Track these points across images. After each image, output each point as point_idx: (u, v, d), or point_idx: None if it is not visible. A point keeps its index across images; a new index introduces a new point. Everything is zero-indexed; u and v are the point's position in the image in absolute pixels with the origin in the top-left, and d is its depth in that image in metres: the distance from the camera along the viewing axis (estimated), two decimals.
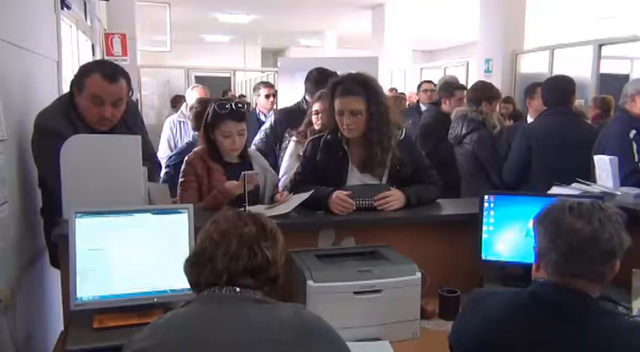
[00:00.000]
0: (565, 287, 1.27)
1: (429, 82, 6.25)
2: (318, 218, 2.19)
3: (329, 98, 2.35)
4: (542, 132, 3.31)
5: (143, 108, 8.92)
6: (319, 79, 3.29)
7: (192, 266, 1.29)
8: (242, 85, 11.39)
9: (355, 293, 1.80)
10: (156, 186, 2.22)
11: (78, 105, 2.20)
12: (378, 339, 1.83)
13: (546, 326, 1.24)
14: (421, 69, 11.18)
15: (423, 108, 5.79)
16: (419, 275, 1.88)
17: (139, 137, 2.03)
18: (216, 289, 1.24)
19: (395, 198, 2.26)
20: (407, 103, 7.22)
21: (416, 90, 6.35)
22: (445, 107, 4.11)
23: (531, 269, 1.38)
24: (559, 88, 3.41)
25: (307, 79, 3.47)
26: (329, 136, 2.38)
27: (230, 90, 10.15)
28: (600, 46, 6.44)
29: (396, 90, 9.30)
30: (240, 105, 2.47)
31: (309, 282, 1.78)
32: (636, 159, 2.73)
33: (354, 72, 2.36)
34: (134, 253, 1.79)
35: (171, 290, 1.80)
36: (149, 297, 1.78)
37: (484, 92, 3.58)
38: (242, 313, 1.20)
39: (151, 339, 1.16)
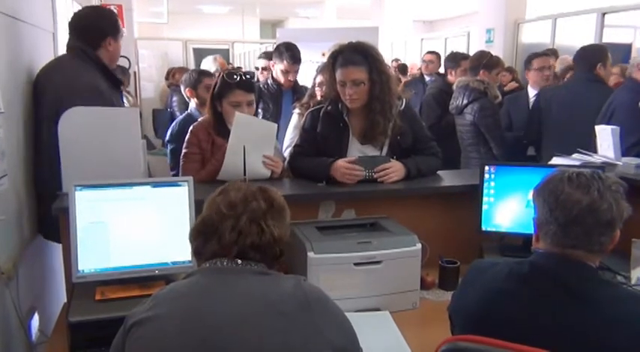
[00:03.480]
0: (564, 257, 1.27)
1: (432, 52, 6.18)
2: (318, 190, 2.19)
3: (329, 69, 2.32)
4: (554, 98, 3.35)
5: (141, 81, 8.83)
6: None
7: (198, 235, 1.29)
8: (241, 57, 11.26)
9: (355, 264, 1.81)
10: (155, 159, 2.21)
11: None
12: (378, 309, 1.85)
13: (546, 296, 1.25)
14: (422, 39, 11.05)
15: (427, 79, 5.75)
16: (419, 246, 1.89)
17: (137, 109, 2.02)
18: (218, 261, 1.24)
19: (395, 169, 2.25)
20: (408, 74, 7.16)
21: (419, 62, 6.29)
22: (451, 78, 4.08)
23: (531, 241, 1.38)
24: (584, 54, 3.42)
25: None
26: (329, 107, 2.36)
27: (230, 62, 10.05)
28: (604, 14, 6.35)
29: (399, 60, 9.23)
30: (248, 75, 2.44)
31: (310, 254, 1.78)
32: None
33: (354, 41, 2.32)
34: (134, 226, 1.79)
35: (173, 263, 1.81)
36: (150, 269, 1.79)
37: (481, 60, 3.55)
38: (243, 285, 1.21)
39: (152, 310, 1.17)
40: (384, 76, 2.27)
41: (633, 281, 2.11)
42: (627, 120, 2.64)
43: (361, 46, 2.29)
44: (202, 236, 1.28)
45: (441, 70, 5.31)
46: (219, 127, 2.41)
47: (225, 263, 1.23)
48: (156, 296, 1.22)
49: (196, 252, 1.30)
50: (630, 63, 3.17)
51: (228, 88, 2.37)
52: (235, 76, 2.37)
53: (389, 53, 10.21)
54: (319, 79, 2.86)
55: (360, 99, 2.26)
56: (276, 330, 1.13)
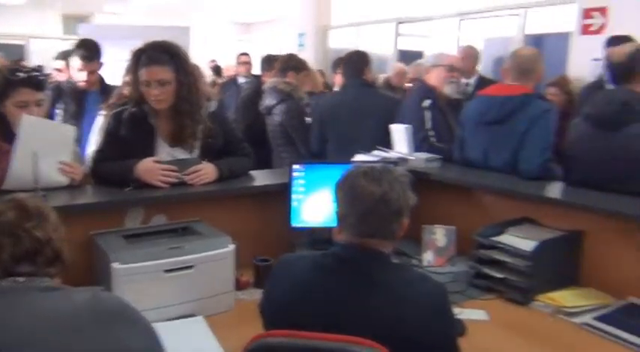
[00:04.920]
0: (362, 246, 1.36)
1: (246, 54, 6.23)
2: (124, 196, 2.07)
3: (132, 68, 2.20)
4: (336, 103, 3.50)
5: None
6: None
7: None
8: (39, 55, 10.19)
9: (166, 271, 1.75)
10: None
11: None
12: (193, 315, 1.81)
13: (347, 284, 1.32)
14: (239, 41, 11.11)
15: (241, 80, 5.78)
16: (232, 247, 1.89)
17: None
18: None
19: (206, 171, 2.22)
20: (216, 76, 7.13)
21: (235, 63, 6.30)
22: (266, 79, 4.14)
23: None
24: (354, 62, 3.60)
25: None
26: (133, 109, 2.24)
27: (23, 59, 9.06)
28: (399, 23, 7.01)
29: (215, 61, 9.15)
30: (37, 71, 2.19)
31: (114, 265, 1.68)
32: (428, 127, 3.02)
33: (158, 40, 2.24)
34: None
35: None
36: None
37: (290, 63, 3.67)
38: (29, 304, 1.09)
39: None
40: (191, 77, 2.22)
41: (425, 263, 2.36)
42: (414, 119, 2.93)
43: (166, 44, 2.21)
44: None
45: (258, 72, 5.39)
46: (4, 131, 2.14)
47: (2, 284, 1.10)
48: None
49: None
50: (421, 66, 3.52)
51: (12, 86, 2.11)
52: (19, 73, 2.13)
53: (203, 54, 10.07)
54: (127, 78, 2.70)
55: (167, 101, 2.19)
56: (69, 349, 1.04)
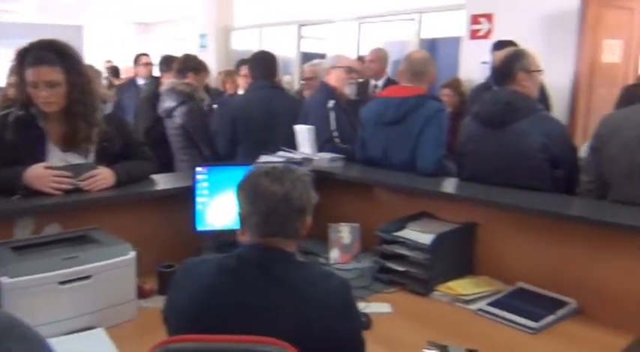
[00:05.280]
0: (265, 246, 1.36)
1: (145, 54, 6.02)
2: (11, 205, 1.93)
3: (17, 68, 2.06)
4: (247, 105, 3.49)
5: None
6: None
7: None
8: None
9: (61, 283, 1.65)
10: None
11: None
12: (92, 328, 1.72)
13: (253, 284, 1.32)
14: (137, 41, 10.71)
15: (141, 82, 5.58)
16: (132, 254, 1.82)
17: None
18: None
19: (103, 176, 2.12)
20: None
21: (133, 64, 6.05)
22: (165, 81, 4.02)
23: None
24: (262, 63, 3.61)
25: None
26: (20, 112, 2.09)
27: None
28: (301, 26, 7.08)
29: (112, 62, 8.77)
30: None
31: (2, 279, 1.56)
32: (332, 127, 3.08)
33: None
34: None
35: None
36: None
37: (188, 63, 3.60)
38: None
39: None
40: (84, 78, 2.11)
41: (331, 261, 2.41)
42: (319, 120, 2.98)
43: (55, 43, 2.09)
44: None
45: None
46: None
47: None
48: None
49: None
50: (318, 65, 3.57)
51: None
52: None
53: (99, 54, 9.62)
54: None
55: (57, 103, 2.06)
56: None
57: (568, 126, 4.33)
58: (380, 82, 4.72)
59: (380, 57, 4.79)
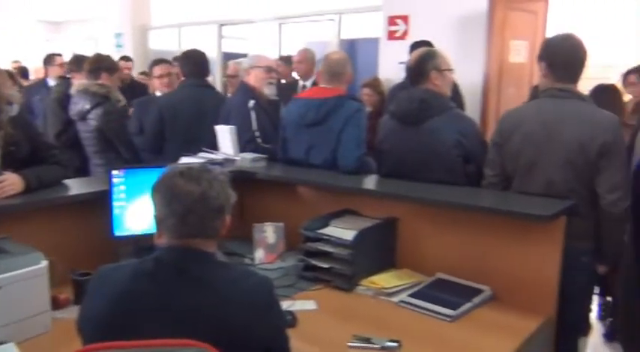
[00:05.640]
0: (184, 247, 1.33)
1: (59, 54, 5.73)
2: None
3: None
4: (176, 103, 3.43)
5: None
6: None
7: None
8: None
9: None
10: None
11: None
12: (2, 343, 1.62)
13: (171, 287, 1.29)
14: (46, 41, 10.17)
15: (52, 83, 5.30)
16: (44, 263, 1.73)
17: None
18: None
19: (10, 182, 2.00)
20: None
21: (43, 65, 5.73)
22: (76, 82, 3.83)
23: None
24: (193, 62, 3.56)
25: None
26: None
27: None
28: (221, 26, 7.00)
29: (20, 62, 8.30)
30: None
31: None
32: (254, 127, 3.06)
33: None
34: None
35: None
36: None
37: (101, 63, 3.46)
38: None
39: None
40: None
41: (256, 261, 2.40)
42: (240, 120, 2.95)
43: None
44: None
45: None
46: None
47: None
48: None
49: None
50: (244, 68, 3.53)
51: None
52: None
53: (5, 54, 9.07)
54: None
55: None
56: None
57: (480, 123, 4.55)
58: (308, 83, 4.75)
59: (307, 58, 4.83)
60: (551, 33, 4.22)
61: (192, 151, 2.73)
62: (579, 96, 2.18)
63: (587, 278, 2.21)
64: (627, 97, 4.26)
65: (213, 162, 2.36)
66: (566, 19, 5.92)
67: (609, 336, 3.39)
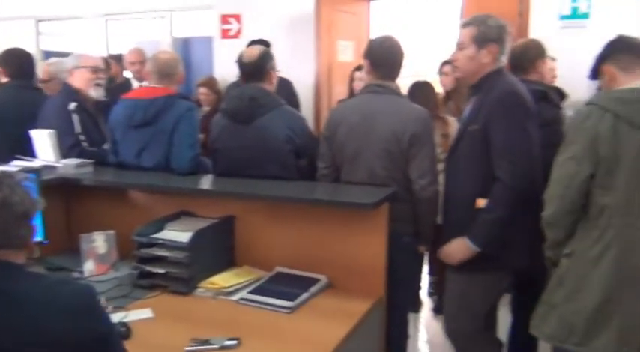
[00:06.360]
0: None
1: None
2: None
3: None
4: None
5: None
6: None
7: None
8: None
9: None
10: None
11: None
12: None
13: None
14: None
15: None
16: None
17: None
18: None
19: None
20: None
21: None
22: None
23: None
24: (17, 62, 3.33)
25: None
26: None
27: None
28: (38, 21, 6.42)
29: None
30: None
31: None
32: (78, 131, 2.84)
33: None
34: None
35: None
36: None
37: None
38: None
39: None
40: None
41: (87, 274, 2.25)
42: (61, 124, 2.73)
43: None
44: None
45: None
46: None
47: None
48: None
49: None
50: (66, 68, 3.24)
51: None
52: None
53: None
54: None
55: None
56: None
57: (314, 119, 4.74)
58: (145, 83, 4.53)
59: (142, 58, 4.60)
60: (374, 34, 4.53)
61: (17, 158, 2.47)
62: (394, 92, 2.37)
63: (410, 257, 2.41)
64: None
65: (28, 170, 2.15)
66: (387, 20, 6.39)
67: (437, 310, 3.73)
